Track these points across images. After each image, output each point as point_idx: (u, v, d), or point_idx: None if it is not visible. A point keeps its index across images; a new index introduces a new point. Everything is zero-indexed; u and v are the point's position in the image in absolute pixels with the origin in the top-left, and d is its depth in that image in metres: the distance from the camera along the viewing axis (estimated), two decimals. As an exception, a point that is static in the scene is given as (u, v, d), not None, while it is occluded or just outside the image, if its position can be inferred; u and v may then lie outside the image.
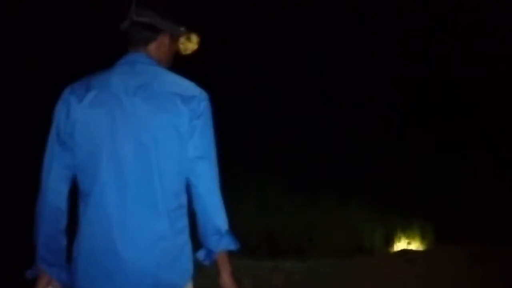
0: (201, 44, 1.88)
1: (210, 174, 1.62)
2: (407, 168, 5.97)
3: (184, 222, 1.63)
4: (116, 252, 1.56)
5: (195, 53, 1.90)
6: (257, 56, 8.33)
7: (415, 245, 4.44)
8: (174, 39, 1.71)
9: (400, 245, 4.45)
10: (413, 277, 3.73)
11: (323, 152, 6.35)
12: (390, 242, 4.46)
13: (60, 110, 1.60)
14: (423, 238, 4.44)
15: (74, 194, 1.66)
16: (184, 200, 1.62)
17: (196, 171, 1.59)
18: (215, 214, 1.63)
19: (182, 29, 1.72)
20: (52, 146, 1.61)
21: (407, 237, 4.50)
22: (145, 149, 1.55)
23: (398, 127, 7.29)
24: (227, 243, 1.63)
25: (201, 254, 1.66)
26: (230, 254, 1.65)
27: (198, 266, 1.68)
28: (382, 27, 8.78)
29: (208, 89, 1.70)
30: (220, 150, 1.69)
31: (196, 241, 1.67)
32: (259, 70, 8.17)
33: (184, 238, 1.63)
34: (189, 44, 1.79)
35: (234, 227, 1.70)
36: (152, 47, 1.65)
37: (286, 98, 7.82)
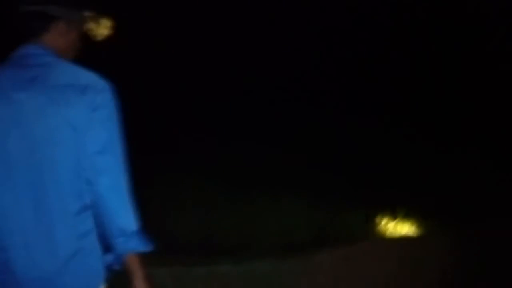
0: (114, 28, 1.72)
1: (112, 169, 1.50)
2: (345, 157, 5.91)
3: (89, 224, 1.52)
4: (11, 264, 1.46)
5: (109, 39, 1.75)
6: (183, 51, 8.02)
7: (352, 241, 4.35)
8: (75, 26, 1.61)
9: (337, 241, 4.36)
10: (350, 274, 3.66)
11: (257, 144, 6.18)
12: (327, 238, 4.36)
13: None
14: (360, 234, 4.38)
15: None
16: (88, 200, 1.51)
17: (96, 167, 1.48)
18: (119, 214, 1.50)
19: (86, 14, 1.63)
20: None
21: (345, 233, 4.41)
22: (38, 148, 1.46)
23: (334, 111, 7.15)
24: (136, 244, 1.51)
25: (109, 258, 1.54)
26: (144, 256, 1.53)
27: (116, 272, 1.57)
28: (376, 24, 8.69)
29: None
30: (147, 146, 1.51)
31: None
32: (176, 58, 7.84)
33: (91, 242, 1.52)
34: (99, 29, 1.68)
35: (164, 228, 1.49)
36: (48, 37, 1.56)
37: (210, 90, 7.55)
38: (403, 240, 4.09)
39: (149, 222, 1.63)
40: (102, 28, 1.69)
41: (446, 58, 8.44)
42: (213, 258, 3.80)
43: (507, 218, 4.85)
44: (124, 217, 1.51)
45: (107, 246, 1.54)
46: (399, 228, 4.39)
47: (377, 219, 4.51)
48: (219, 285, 3.53)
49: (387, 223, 4.43)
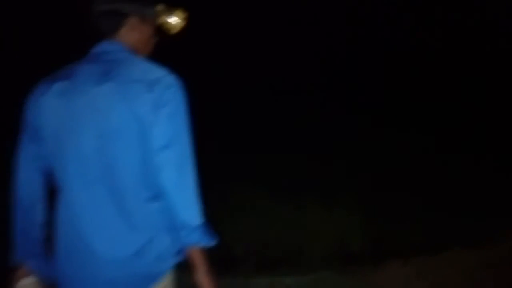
0: (189, 20, 1.77)
1: (176, 164, 1.56)
2: (401, 168, 5.65)
3: (161, 213, 1.60)
4: (87, 249, 1.58)
5: (184, 31, 1.78)
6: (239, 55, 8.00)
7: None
8: (148, 20, 1.67)
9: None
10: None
11: (307, 153, 6.02)
12: (389, 250, 4.12)
13: (29, 103, 1.63)
14: (426, 247, 4.09)
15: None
16: (158, 191, 1.59)
17: (161, 162, 1.55)
18: (182, 208, 1.57)
19: (157, 8, 1.69)
20: (23, 137, 1.66)
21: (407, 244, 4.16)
22: (107, 139, 1.55)
23: (389, 126, 6.96)
24: (198, 238, 1.58)
25: (175, 248, 1.64)
26: (206, 250, 1.60)
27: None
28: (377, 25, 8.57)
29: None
30: (199, 154, 1.61)
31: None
32: (242, 70, 7.82)
33: (162, 230, 1.61)
34: (174, 22, 1.73)
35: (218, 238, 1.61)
36: (122, 33, 1.64)
37: (264, 97, 7.49)
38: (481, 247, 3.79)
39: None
40: (176, 21, 1.72)
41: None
42: (274, 269, 3.64)
43: None
44: (188, 211, 1.57)
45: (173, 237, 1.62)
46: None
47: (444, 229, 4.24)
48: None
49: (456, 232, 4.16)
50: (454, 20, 8.38)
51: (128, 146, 1.54)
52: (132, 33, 1.64)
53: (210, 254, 1.62)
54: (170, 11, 1.71)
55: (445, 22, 8.45)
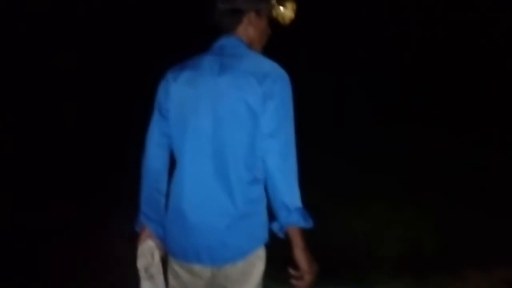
0: (298, 11, 1.91)
1: (280, 152, 1.73)
2: (478, 180, 5.51)
3: (258, 193, 1.79)
4: (186, 217, 1.80)
5: (293, 23, 1.92)
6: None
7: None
8: (262, 15, 1.84)
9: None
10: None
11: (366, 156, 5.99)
12: (468, 260, 3.98)
13: (160, 87, 1.89)
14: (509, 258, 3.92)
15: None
16: (259, 174, 1.78)
17: (266, 148, 1.74)
18: (283, 191, 1.74)
19: (270, 2, 1.85)
20: (154, 117, 1.90)
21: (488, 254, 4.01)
22: (221, 124, 1.76)
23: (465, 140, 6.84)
24: (296, 220, 1.73)
25: (274, 227, 1.80)
26: (303, 230, 1.74)
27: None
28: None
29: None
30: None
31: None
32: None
33: (257, 208, 1.80)
34: (285, 14, 1.87)
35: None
36: (241, 29, 1.83)
37: (330, 99, 7.46)
38: None
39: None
40: (289, 12, 1.86)
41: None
42: (341, 277, 3.57)
43: None
44: (288, 194, 1.74)
45: (274, 216, 1.79)
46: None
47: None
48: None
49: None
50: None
51: (238, 131, 1.74)
52: (249, 28, 1.83)
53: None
54: (283, 2, 1.85)
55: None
